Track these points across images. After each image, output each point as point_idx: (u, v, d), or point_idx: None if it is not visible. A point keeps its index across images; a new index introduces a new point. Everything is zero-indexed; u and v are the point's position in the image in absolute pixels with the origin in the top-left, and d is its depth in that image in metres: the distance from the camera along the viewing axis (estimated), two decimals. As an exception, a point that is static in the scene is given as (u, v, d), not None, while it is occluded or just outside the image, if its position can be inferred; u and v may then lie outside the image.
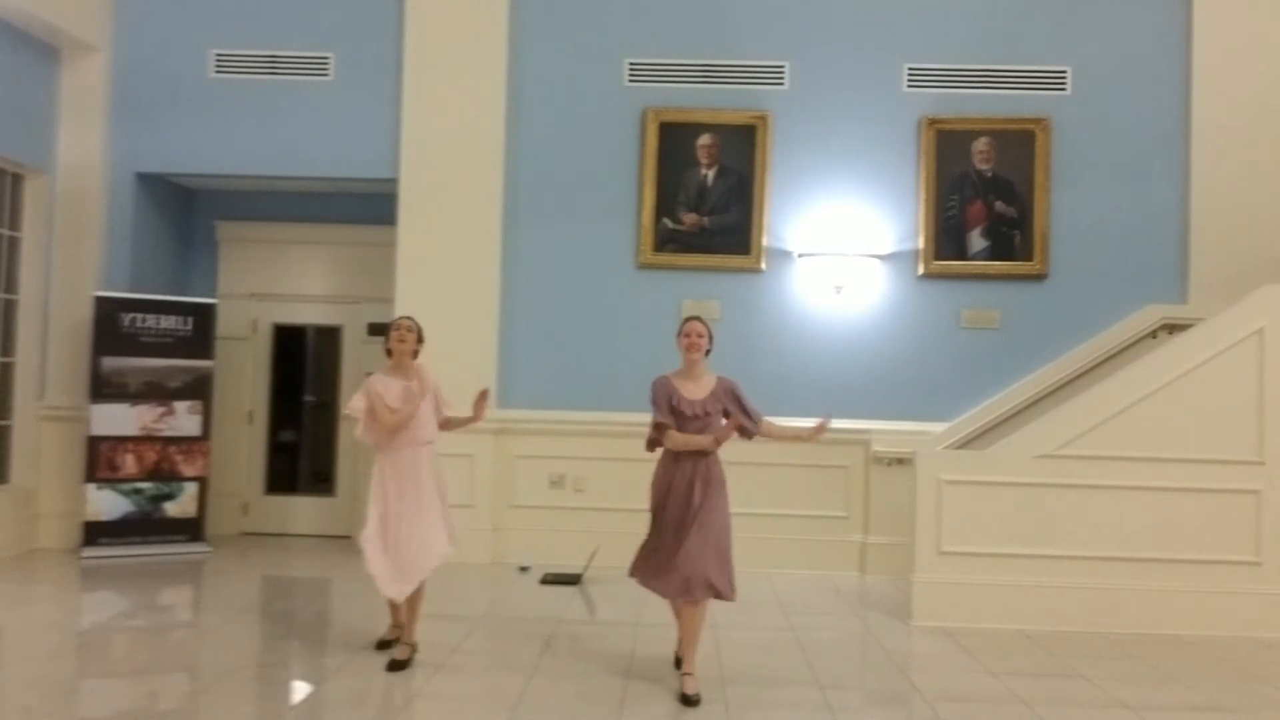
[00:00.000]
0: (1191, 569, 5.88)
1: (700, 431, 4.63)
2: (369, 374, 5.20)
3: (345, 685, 4.62)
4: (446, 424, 5.15)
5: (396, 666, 4.82)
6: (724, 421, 4.70)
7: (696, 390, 4.67)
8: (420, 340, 5.07)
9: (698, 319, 4.80)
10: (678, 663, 4.82)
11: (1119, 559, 5.89)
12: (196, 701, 4.36)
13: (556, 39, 7.75)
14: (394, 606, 5.13)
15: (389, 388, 4.93)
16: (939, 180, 7.60)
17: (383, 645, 5.15)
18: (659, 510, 4.72)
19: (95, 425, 7.41)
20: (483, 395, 5.09)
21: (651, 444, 4.77)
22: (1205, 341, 5.98)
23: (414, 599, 4.98)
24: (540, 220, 7.71)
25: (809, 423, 7.33)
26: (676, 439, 4.60)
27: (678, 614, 4.77)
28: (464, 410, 5.13)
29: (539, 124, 7.74)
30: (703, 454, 4.66)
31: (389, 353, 5.01)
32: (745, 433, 4.77)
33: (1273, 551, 5.86)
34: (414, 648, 4.99)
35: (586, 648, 5.27)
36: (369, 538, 4.88)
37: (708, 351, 4.75)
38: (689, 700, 4.42)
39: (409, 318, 5.09)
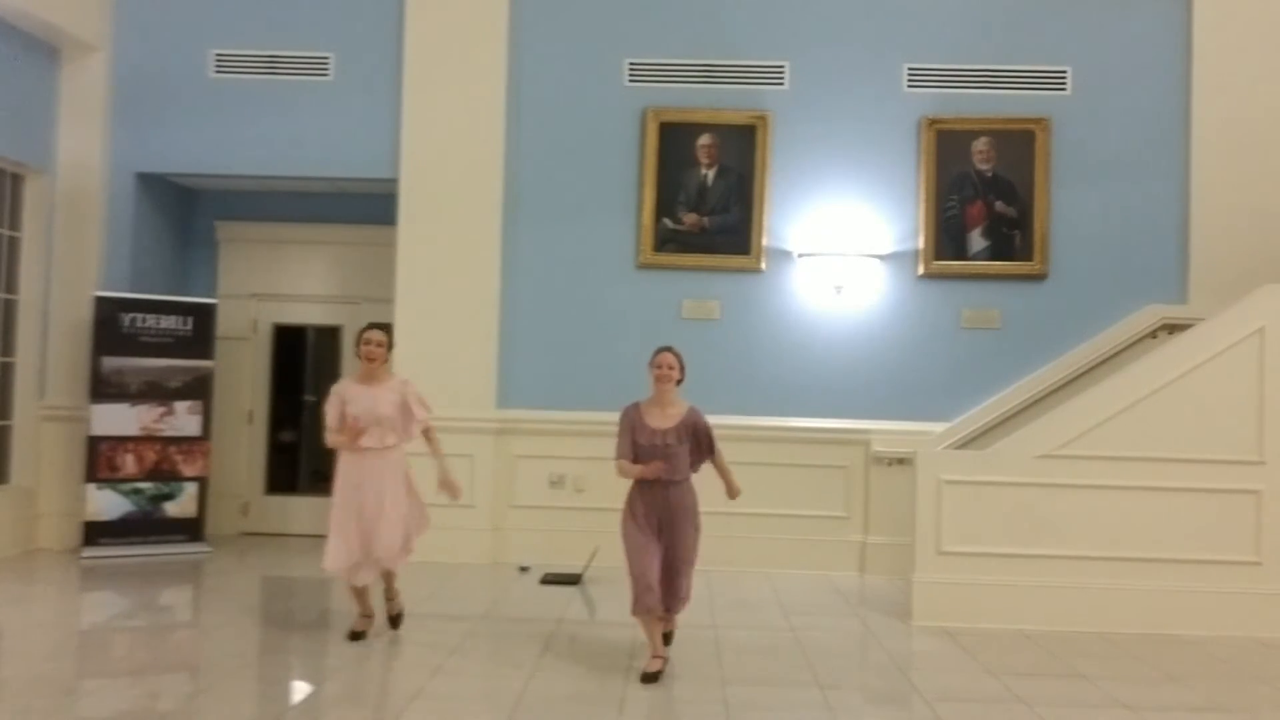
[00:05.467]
0: (1191, 569, 5.87)
1: (664, 461, 4.73)
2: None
3: (345, 685, 4.62)
4: (426, 435, 5.31)
5: (394, 624, 5.37)
6: (686, 450, 4.82)
7: (663, 419, 4.79)
8: (390, 348, 5.25)
9: (669, 350, 4.87)
10: (647, 678, 4.68)
11: (1119, 559, 5.89)
12: (196, 701, 4.36)
13: (556, 39, 7.75)
14: (359, 595, 5.27)
15: (356, 397, 5.12)
16: (939, 180, 7.60)
17: (355, 637, 5.23)
18: (635, 542, 4.79)
19: (95, 425, 7.41)
20: (449, 486, 5.32)
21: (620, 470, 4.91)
22: (1205, 341, 5.97)
23: (386, 578, 5.34)
24: (540, 220, 7.70)
25: (802, 422, 7.41)
26: (625, 470, 4.80)
27: (652, 630, 4.80)
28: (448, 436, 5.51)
29: (539, 124, 7.73)
30: (667, 484, 4.77)
31: (359, 357, 5.18)
32: (701, 461, 4.94)
33: (1273, 551, 5.85)
34: (399, 608, 5.43)
35: (586, 648, 5.27)
36: (331, 532, 5.13)
37: (679, 381, 4.85)
38: (649, 678, 4.61)
39: (378, 329, 5.23)
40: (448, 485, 5.29)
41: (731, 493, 4.94)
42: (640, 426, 4.79)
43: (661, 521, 4.79)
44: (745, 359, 7.54)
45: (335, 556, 5.09)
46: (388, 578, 5.36)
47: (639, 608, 4.72)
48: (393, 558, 5.18)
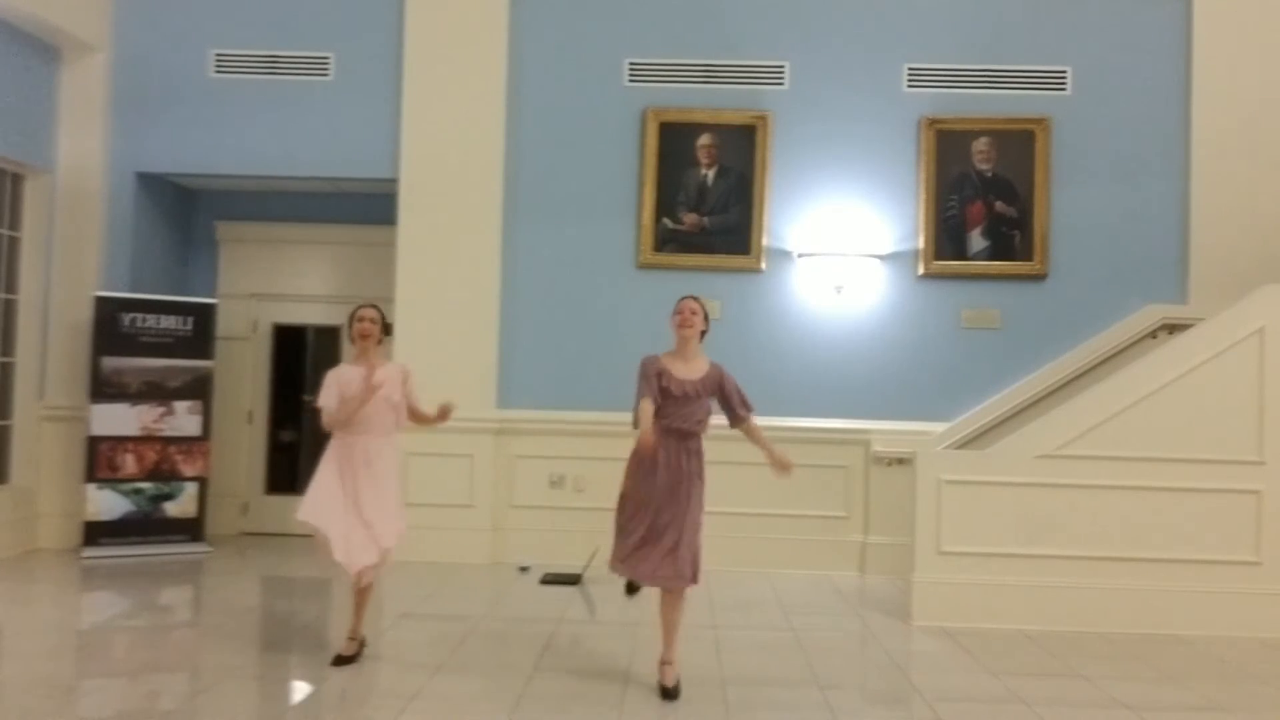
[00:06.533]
0: (1191, 569, 5.87)
1: (691, 413, 4.51)
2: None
3: (345, 685, 4.62)
4: (414, 414, 5.05)
5: (342, 661, 4.81)
6: (711, 407, 4.60)
7: (688, 370, 4.55)
8: (386, 330, 5.03)
9: (693, 297, 4.69)
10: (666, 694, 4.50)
11: (1119, 559, 5.89)
12: (196, 701, 4.36)
13: (556, 39, 7.75)
14: (361, 600, 4.93)
15: (351, 380, 4.85)
16: (939, 180, 7.60)
17: (341, 661, 4.88)
18: (638, 496, 4.56)
19: (95, 425, 7.41)
20: (445, 409, 4.99)
21: (638, 420, 4.60)
22: (1205, 341, 5.97)
23: (363, 593, 4.90)
24: (540, 220, 7.70)
25: (802, 422, 7.32)
26: (644, 419, 4.43)
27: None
28: (434, 405, 5.04)
29: (539, 124, 7.73)
30: (687, 440, 4.54)
31: (352, 340, 4.97)
32: (736, 420, 4.68)
33: (1273, 551, 5.85)
34: (362, 643, 4.93)
35: (586, 648, 5.28)
36: (317, 509, 4.76)
37: (703, 333, 4.64)
38: (669, 693, 4.41)
39: (373, 307, 5.01)
40: (443, 408, 4.97)
41: (779, 465, 4.53)
42: (668, 376, 4.50)
43: (669, 481, 4.50)
44: (745, 359, 7.48)
45: (335, 530, 4.74)
46: (361, 595, 4.94)
47: (615, 563, 4.61)
48: (390, 536, 4.80)
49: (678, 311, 4.62)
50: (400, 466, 5.16)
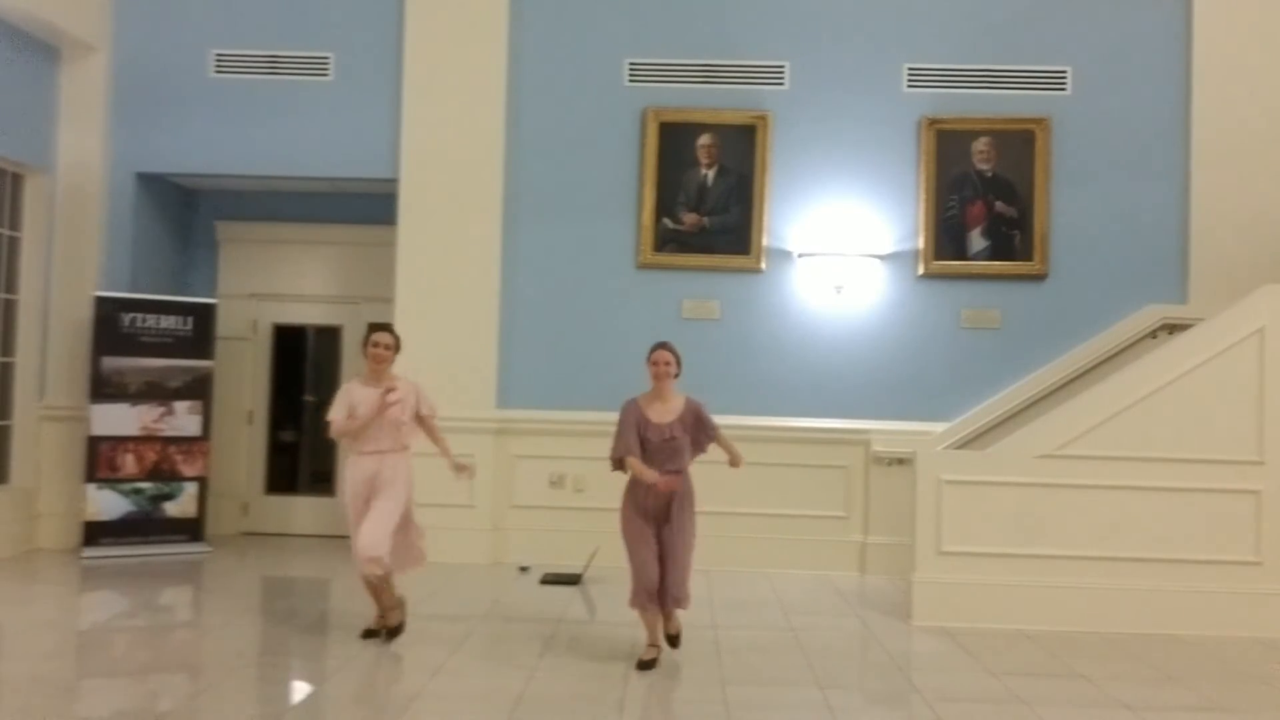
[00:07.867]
0: (1191, 569, 5.87)
1: (669, 455, 4.88)
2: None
3: (345, 685, 4.62)
4: (428, 429, 5.39)
5: (393, 634, 5.23)
6: (688, 441, 4.99)
7: (665, 413, 4.94)
8: (398, 349, 5.30)
9: (665, 348, 4.99)
10: (643, 665, 4.88)
11: (1119, 559, 5.89)
12: (196, 701, 4.36)
13: (556, 39, 7.75)
14: (376, 593, 5.24)
15: (364, 399, 5.14)
16: (939, 180, 7.60)
17: (370, 634, 5.28)
18: (634, 532, 4.95)
19: (95, 425, 7.41)
20: (463, 468, 5.33)
21: (616, 464, 5.01)
22: (1205, 341, 5.97)
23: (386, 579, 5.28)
24: (540, 220, 7.70)
25: (802, 422, 7.31)
26: (636, 467, 4.86)
27: (651, 623, 5.00)
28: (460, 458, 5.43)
29: (539, 124, 7.73)
30: (670, 475, 4.88)
31: (367, 358, 5.22)
32: (704, 446, 5.06)
33: (1273, 551, 5.85)
34: (397, 620, 5.28)
35: (586, 648, 5.27)
36: (353, 522, 5.15)
37: (676, 375, 4.98)
38: (674, 641, 4.99)
39: (388, 330, 5.28)
40: (462, 468, 5.32)
41: (735, 461, 5.01)
42: (645, 423, 4.91)
43: (661, 511, 4.92)
44: (745, 359, 7.54)
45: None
46: (386, 584, 5.30)
47: (636, 601, 4.93)
48: (367, 557, 4.98)
49: (653, 363, 4.97)
50: (411, 481, 5.32)
